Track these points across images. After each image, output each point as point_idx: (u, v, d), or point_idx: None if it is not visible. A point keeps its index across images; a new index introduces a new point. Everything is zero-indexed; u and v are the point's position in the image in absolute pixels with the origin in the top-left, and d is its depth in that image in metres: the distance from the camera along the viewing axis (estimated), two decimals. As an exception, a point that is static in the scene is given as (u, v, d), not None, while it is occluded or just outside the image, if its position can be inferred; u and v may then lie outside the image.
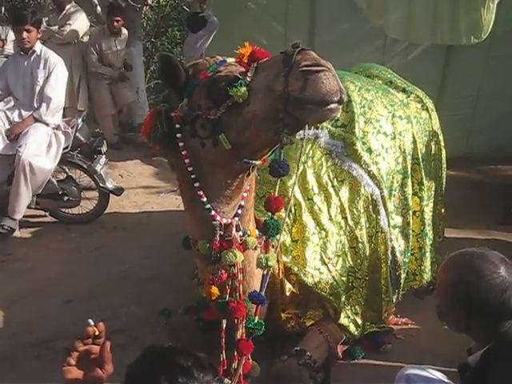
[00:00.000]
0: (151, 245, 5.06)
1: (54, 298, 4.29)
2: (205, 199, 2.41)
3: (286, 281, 3.15)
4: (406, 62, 7.03)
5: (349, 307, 3.30)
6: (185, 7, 9.24)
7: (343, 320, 3.26)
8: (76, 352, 1.57)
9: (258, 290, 2.67)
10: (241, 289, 2.48)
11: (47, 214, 5.74)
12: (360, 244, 3.34)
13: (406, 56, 7.14)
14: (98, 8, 7.68)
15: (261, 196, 3.30)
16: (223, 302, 2.45)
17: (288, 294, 3.16)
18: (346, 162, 3.42)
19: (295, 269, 3.11)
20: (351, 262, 3.32)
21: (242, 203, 2.48)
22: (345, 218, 3.33)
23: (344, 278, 3.27)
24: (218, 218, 2.41)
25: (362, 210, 3.38)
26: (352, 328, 3.28)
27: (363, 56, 6.73)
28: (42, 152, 5.13)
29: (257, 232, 2.60)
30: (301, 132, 3.43)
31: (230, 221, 2.44)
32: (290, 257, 3.15)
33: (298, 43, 2.11)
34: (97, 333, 1.59)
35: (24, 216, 5.67)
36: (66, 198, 5.52)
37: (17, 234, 5.38)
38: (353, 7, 7.23)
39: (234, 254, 2.40)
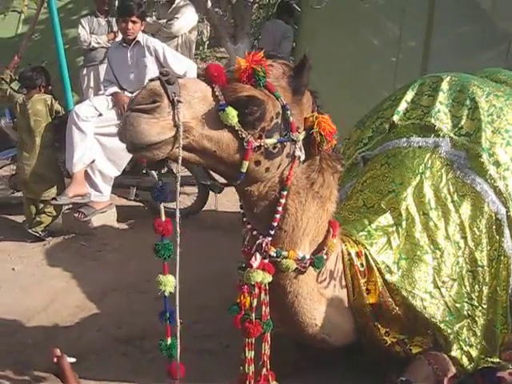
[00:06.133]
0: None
1: (145, 294, 4.20)
2: (240, 203, 2.44)
3: (385, 301, 2.86)
4: (531, 69, 6.48)
5: (462, 337, 2.93)
6: (295, 5, 9.04)
7: (455, 351, 2.89)
8: None
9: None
10: (264, 310, 2.37)
11: (146, 206, 5.72)
12: (480, 268, 2.97)
13: (533, 63, 6.59)
14: (209, 2, 7.61)
15: (369, 206, 3.05)
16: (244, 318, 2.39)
17: (393, 313, 2.87)
18: (469, 174, 3.06)
19: (403, 291, 2.80)
20: (468, 288, 2.96)
21: (274, 224, 2.31)
22: (464, 238, 2.97)
23: (459, 305, 2.91)
24: (249, 226, 2.40)
25: (484, 230, 3.00)
26: (465, 361, 2.91)
27: (483, 61, 6.28)
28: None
29: (300, 255, 2.42)
30: (419, 139, 3.23)
31: (259, 237, 2.35)
32: (397, 276, 2.84)
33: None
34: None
35: (122, 207, 5.71)
36: (165, 192, 5.46)
37: (114, 224, 5.39)
38: (475, 8, 6.82)
39: (253, 275, 2.30)
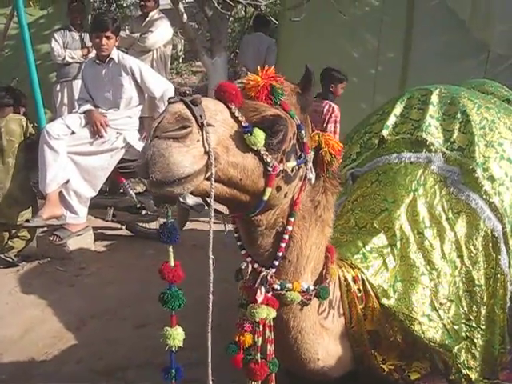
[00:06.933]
0: (233, 267, 4.71)
1: (126, 321, 4.03)
2: (236, 235, 2.20)
3: (382, 327, 2.72)
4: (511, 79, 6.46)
5: (461, 360, 2.79)
6: (272, 18, 8.96)
7: (454, 375, 2.77)
8: None
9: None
10: (269, 348, 2.17)
11: (123, 227, 5.55)
12: (477, 287, 2.84)
13: (512, 73, 6.57)
14: (184, 16, 7.48)
15: (361, 226, 2.91)
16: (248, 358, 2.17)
17: (391, 339, 2.73)
18: (463, 191, 2.94)
19: (400, 315, 2.67)
20: (465, 308, 2.83)
21: (279, 254, 2.13)
22: (460, 257, 2.84)
23: (456, 327, 2.79)
24: (249, 259, 2.16)
25: (481, 248, 2.88)
26: (464, 385, 2.80)
27: (463, 72, 6.26)
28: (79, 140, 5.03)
29: (304, 286, 2.24)
30: (410, 155, 3.12)
31: (261, 269, 2.15)
32: (393, 299, 2.71)
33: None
34: None
35: (99, 228, 5.52)
36: (143, 212, 5.31)
37: (91, 247, 5.20)
38: (453, 18, 6.80)
39: (258, 311, 2.10)
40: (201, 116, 1.69)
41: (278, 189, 1.95)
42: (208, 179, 1.74)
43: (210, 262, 1.85)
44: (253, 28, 8.73)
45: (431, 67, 6.56)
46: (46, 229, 5.09)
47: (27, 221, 4.83)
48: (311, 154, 2.07)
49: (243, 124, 1.82)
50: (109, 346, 3.72)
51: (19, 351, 3.67)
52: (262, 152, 1.84)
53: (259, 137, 1.82)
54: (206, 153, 1.71)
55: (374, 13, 7.07)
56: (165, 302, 1.92)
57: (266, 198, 1.91)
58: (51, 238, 4.99)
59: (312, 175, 2.08)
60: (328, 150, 2.08)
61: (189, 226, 5.43)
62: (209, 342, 1.93)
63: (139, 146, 5.13)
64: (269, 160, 1.86)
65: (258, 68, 1.95)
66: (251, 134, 1.81)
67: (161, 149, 1.64)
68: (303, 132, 2.00)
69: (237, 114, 1.83)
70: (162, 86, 5.22)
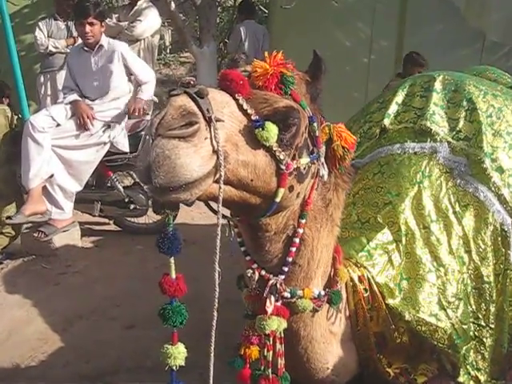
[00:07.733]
0: (224, 263, 4.56)
1: (115, 321, 3.87)
2: (239, 239, 2.04)
3: (389, 329, 2.58)
4: (507, 67, 6.34)
5: (469, 361, 2.67)
6: (262, 7, 8.77)
7: (463, 377, 2.63)
8: None
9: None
10: (280, 362, 2.02)
11: (111, 222, 5.38)
12: (486, 284, 2.70)
13: (507, 61, 6.46)
14: (172, 5, 7.29)
15: (363, 221, 2.75)
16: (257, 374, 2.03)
17: (397, 342, 2.59)
18: (470, 182, 2.79)
19: (406, 315, 2.52)
20: (474, 307, 2.69)
21: (290, 259, 1.96)
22: (468, 252, 2.70)
23: (465, 326, 2.65)
24: (255, 266, 2.00)
25: (490, 243, 2.74)
26: (473, 387, 2.66)
27: (458, 60, 6.14)
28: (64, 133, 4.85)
29: (315, 292, 2.09)
30: (414, 145, 2.96)
31: (269, 276, 1.98)
32: (399, 299, 2.56)
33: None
34: None
35: (86, 223, 5.37)
36: (132, 207, 5.14)
37: (78, 243, 5.02)
38: (448, 6, 6.69)
39: (268, 323, 1.94)
40: (208, 110, 1.50)
41: (291, 189, 1.77)
42: (216, 182, 1.56)
43: (216, 275, 1.69)
44: (240, 16, 8.45)
45: (425, 56, 6.43)
46: (30, 225, 4.91)
47: (9, 217, 4.63)
48: (323, 149, 1.91)
49: (253, 118, 1.64)
50: (97, 348, 3.58)
51: (3, 354, 3.53)
52: (274, 148, 1.67)
53: (272, 132, 1.64)
54: (215, 152, 1.53)
55: (366, 0, 6.92)
56: (165, 319, 1.78)
57: (278, 199, 1.74)
58: (36, 235, 4.80)
59: (325, 172, 1.91)
60: (340, 144, 1.92)
61: (178, 220, 5.24)
62: (211, 361, 1.83)
63: (126, 138, 4.97)
64: (282, 157, 1.69)
65: (266, 54, 1.76)
66: (263, 129, 1.62)
67: (166, 150, 1.46)
68: (315, 124, 1.83)
69: (245, 106, 1.65)
70: (149, 75, 5.15)
